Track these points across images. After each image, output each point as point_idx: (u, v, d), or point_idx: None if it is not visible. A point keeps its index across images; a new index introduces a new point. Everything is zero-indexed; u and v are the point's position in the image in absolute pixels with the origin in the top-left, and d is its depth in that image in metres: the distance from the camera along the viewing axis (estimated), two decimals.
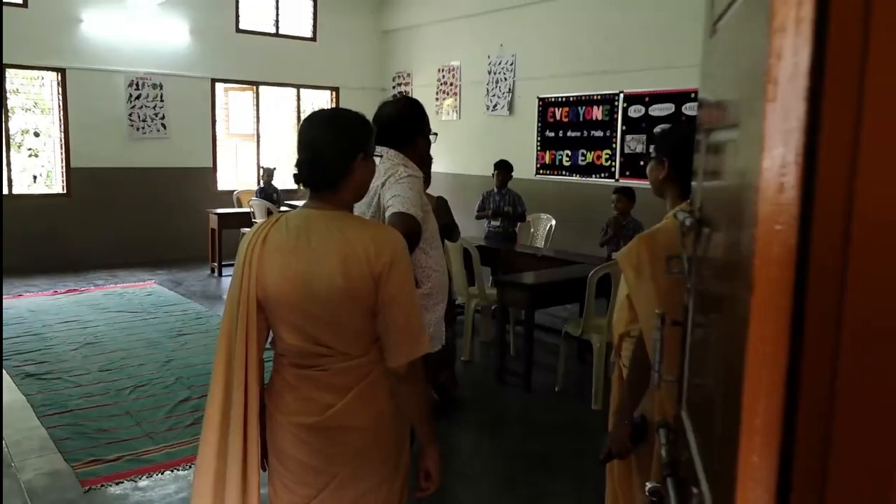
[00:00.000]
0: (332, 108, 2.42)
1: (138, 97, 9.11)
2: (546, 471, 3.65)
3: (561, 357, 4.82)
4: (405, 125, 2.65)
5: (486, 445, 4.01)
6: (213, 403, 1.77)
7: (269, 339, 1.85)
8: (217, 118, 9.97)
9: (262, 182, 9.09)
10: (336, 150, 1.72)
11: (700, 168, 1.19)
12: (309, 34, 10.53)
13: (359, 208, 2.60)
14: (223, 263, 8.57)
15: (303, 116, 10.66)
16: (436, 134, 2.76)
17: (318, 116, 1.77)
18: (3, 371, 4.72)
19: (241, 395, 1.74)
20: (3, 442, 3.72)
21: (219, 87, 9.94)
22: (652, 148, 2.16)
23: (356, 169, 1.75)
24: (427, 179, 2.78)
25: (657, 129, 2.52)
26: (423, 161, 2.73)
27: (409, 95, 2.88)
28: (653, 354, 1.43)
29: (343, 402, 1.72)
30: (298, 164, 1.73)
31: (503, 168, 6.70)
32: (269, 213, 7.95)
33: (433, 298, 2.61)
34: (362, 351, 1.73)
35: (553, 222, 7.09)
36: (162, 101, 9.29)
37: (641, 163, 7.53)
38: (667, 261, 1.23)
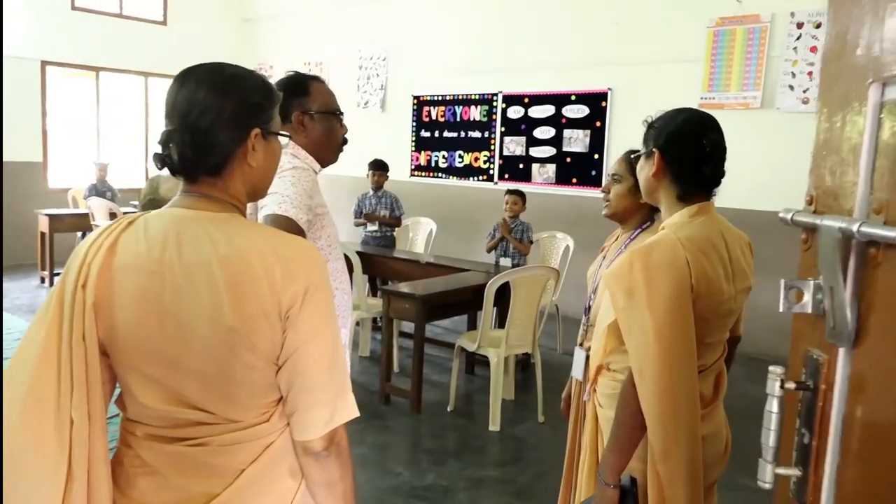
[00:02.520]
0: (217, 62, 1.32)
1: None
2: None
3: (454, 373, 4.41)
4: (284, 101, 2.11)
5: (374, 484, 3.51)
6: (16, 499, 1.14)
7: (115, 398, 1.28)
8: (51, 107, 8.75)
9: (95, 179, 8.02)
10: (222, 118, 1.19)
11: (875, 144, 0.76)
12: (158, 17, 9.52)
13: None
14: (55, 272, 7.46)
15: (151, 110, 9.64)
16: (341, 113, 2.24)
17: (198, 70, 1.22)
18: None
19: (61, 482, 1.14)
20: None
21: (52, 71, 8.73)
22: (642, 141, 1.78)
23: (252, 148, 1.23)
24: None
25: (646, 119, 2.08)
26: (322, 149, 2.20)
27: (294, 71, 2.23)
28: (768, 435, 0.91)
29: (229, 491, 1.18)
30: (163, 139, 1.20)
31: (379, 168, 6.22)
32: (114, 215, 6.99)
33: None
34: (258, 417, 1.20)
35: (434, 227, 6.70)
36: None
37: (521, 166, 7.32)
38: (785, 290, 0.82)
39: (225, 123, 1.19)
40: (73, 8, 8.72)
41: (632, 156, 1.76)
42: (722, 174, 1.68)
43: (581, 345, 2.23)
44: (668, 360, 1.49)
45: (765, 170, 5.46)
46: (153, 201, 5.19)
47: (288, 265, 1.15)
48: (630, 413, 1.53)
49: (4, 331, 5.79)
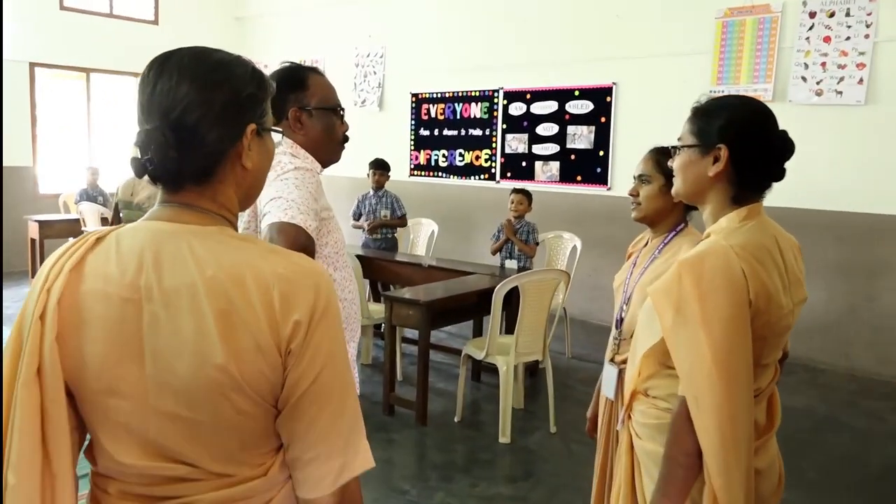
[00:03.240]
0: (199, 46, 1.09)
1: None
2: None
3: (460, 382, 4.22)
4: (279, 96, 1.91)
5: (381, 502, 3.33)
6: None
7: (84, 448, 1.09)
8: (41, 110, 8.54)
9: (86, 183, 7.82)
10: (212, 113, 0.99)
11: None
12: (150, 16, 9.32)
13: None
14: None
15: None
16: (342, 109, 2.05)
17: (178, 57, 1.02)
18: None
19: None
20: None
21: (41, 73, 8.52)
22: (685, 131, 1.55)
23: (248, 148, 1.04)
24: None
25: (695, 104, 1.84)
26: (321, 148, 2.00)
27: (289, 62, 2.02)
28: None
29: None
30: (142, 141, 0.99)
31: (380, 168, 6.03)
32: (107, 220, 6.79)
33: None
34: (253, 471, 1.01)
35: (435, 228, 6.51)
36: None
37: (524, 164, 7.13)
38: None
39: (216, 119, 1.00)
40: (62, 8, 8.50)
41: (672, 148, 1.56)
42: (784, 173, 1.49)
43: (613, 360, 2.05)
44: (729, 388, 1.30)
45: None
46: (127, 206, 4.96)
47: (288, 289, 0.96)
48: (685, 451, 1.34)
49: None
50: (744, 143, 1.44)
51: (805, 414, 4.39)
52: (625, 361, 2.01)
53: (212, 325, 0.93)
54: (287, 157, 1.82)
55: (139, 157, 0.99)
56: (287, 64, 2.00)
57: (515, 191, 5.22)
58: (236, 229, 1.07)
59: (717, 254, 1.36)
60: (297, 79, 1.97)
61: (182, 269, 0.95)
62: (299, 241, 1.61)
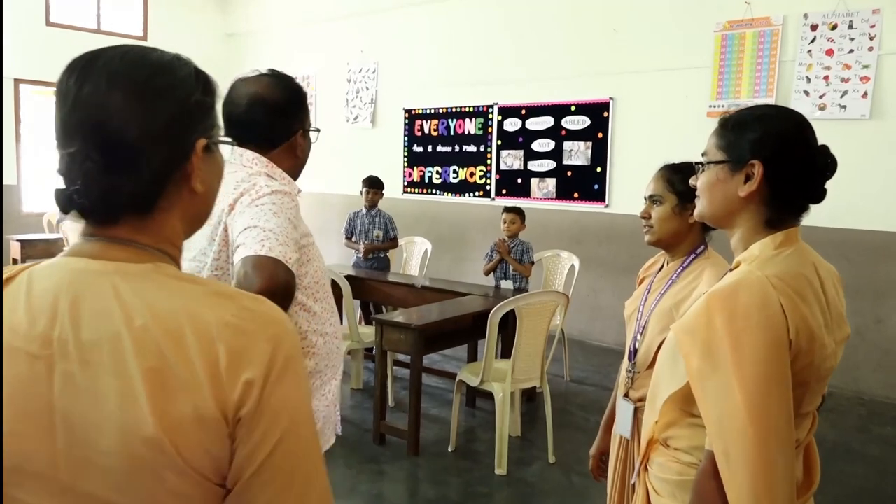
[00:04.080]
0: (132, 45, 0.86)
1: None
2: None
3: (454, 410, 4.02)
4: (284, 115, 1.74)
5: None
6: None
7: None
8: (26, 127, 8.37)
9: None
10: (154, 128, 0.81)
11: None
12: (139, 32, 9.18)
13: (194, 248, 1.65)
14: None
15: None
16: (318, 130, 1.88)
17: (105, 59, 0.82)
18: None
19: None
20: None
21: (26, 90, 8.35)
22: (711, 145, 1.36)
23: (196, 168, 0.86)
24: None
25: (723, 116, 1.64)
26: (299, 171, 1.84)
27: (277, 70, 1.84)
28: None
29: None
30: (65, 167, 0.81)
31: (373, 185, 5.82)
32: None
33: (320, 377, 1.72)
34: None
35: (429, 247, 6.33)
36: None
37: (519, 180, 6.97)
38: None
39: (159, 135, 0.81)
40: (48, 24, 8.36)
41: (696, 165, 1.37)
42: (825, 193, 1.31)
43: (627, 395, 1.86)
44: (767, 443, 1.12)
45: None
46: None
47: (238, 341, 0.77)
48: None
49: None
50: (781, 158, 1.26)
51: (815, 441, 4.18)
52: (641, 399, 1.83)
53: (140, 389, 0.74)
54: (263, 178, 1.63)
55: (64, 188, 0.80)
56: (276, 74, 1.80)
57: (507, 209, 5.04)
58: (178, 265, 0.88)
59: (753, 286, 1.18)
60: (302, 97, 1.81)
61: (105, 319, 0.77)
62: (278, 277, 1.42)
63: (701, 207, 1.36)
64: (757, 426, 1.12)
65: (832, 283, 1.30)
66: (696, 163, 1.38)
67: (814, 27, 5.22)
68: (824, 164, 1.27)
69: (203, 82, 0.88)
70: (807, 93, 5.25)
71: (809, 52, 5.24)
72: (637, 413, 1.80)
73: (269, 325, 0.80)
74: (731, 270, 1.28)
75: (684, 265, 1.91)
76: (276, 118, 1.70)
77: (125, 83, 0.80)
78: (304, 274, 1.64)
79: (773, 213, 1.27)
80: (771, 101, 5.38)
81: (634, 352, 1.86)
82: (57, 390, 0.76)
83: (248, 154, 1.67)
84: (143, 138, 0.80)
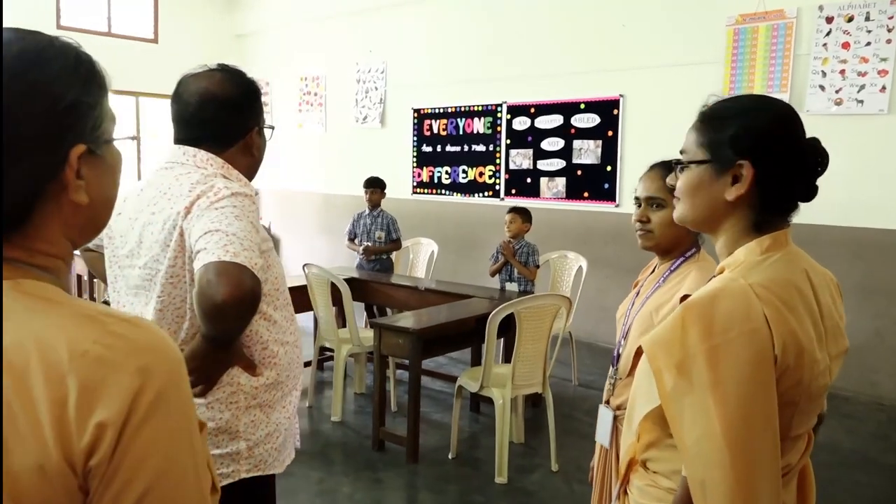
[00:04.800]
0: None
1: None
2: None
3: (454, 416, 3.92)
4: (238, 111, 1.65)
5: None
6: None
7: None
8: None
9: None
10: (15, 140, 0.68)
11: None
12: (149, 34, 9.18)
13: (145, 254, 1.56)
14: None
15: (142, 130, 9.27)
16: (272, 127, 1.79)
17: None
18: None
19: None
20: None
21: None
22: (690, 142, 1.23)
23: (77, 177, 0.74)
24: None
25: (702, 108, 1.24)
26: (255, 171, 1.75)
27: (228, 65, 1.73)
28: None
29: None
30: None
31: (373, 185, 5.74)
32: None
33: (282, 389, 1.63)
34: None
35: (435, 248, 6.23)
36: None
37: (528, 180, 6.85)
38: None
39: (21, 150, 0.69)
40: (59, 27, 8.37)
41: (674, 164, 1.25)
42: (816, 191, 1.19)
43: (608, 402, 1.77)
44: (748, 471, 1.01)
45: None
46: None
47: (92, 375, 0.65)
48: None
49: None
50: (770, 156, 1.13)
51: (829, 448, 4.03)
52: (620, 407, 1.73)
53: None
54: (220, 179, 1.54)
55: None
56: (227, 68, 1.71)
57: (510, 210, 4.93)
58: (62, 279, 0.76)
59: (733, 295, 1.06)
60: (257, 93, 1.72)
61: None
62: (244, 284, 1.33)
63: (682, 211, 1.24)
64: (737, 453, 1.01)
65: (828, 292, 1.18)
66: (675, 161, 1.26)
67: (829, 19, 5.05)
68: (815, 159, 1.15)
69: (84, 73, 0.76)
70: (822, 87, 5.08)
71: (825, 45, 5.07)
72: (616, 421, 1.70)
73: (138, 354, 0.68)
74: (713, 277, 1.17)
75: (672, 268, 1.81)
76: (229, 115, 1.61)
77: None
78: (264, 281, 1.55)
79: (761, 216, 1.16)
80: (786, 96, 5.22)
81: (617, 357, 1.77)
82: None
83: (202, 154, 1.59)
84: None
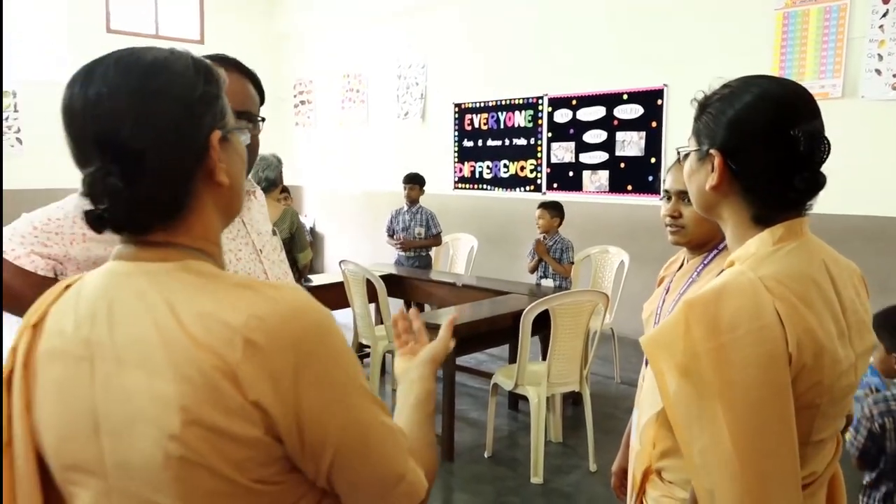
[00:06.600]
0: (126, 49, 0.84)
1: None
2: None
3: (490, 414, 3.86)
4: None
5: None
6: None
7: None
8: None
9: None
10: (163, 132, 0.79)
11: None
12: (195, 36, 9.34)
13: None
14: None
15: None
16: (262, 119, 1.69)
17: (102, 69, 0.80)
18: None
19: None
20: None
21: None
22: (691, 134, 1.18)
23: (216, 164, 0.84)
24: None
25: (695, 97, 1.17)
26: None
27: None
28: None
29: None
30: (89, 186, 0.79)
31: (412, 181, 5.71)
32: None
33: None
34: None
35: (475, 244, 6.17)
36: (16, 111, 7.91)
37: (570, 174, 6.73)
38: None
39: (170, 136, 0.79)
40: (109, 31, 8.59)
41: (677, 151, 1.19)
42: (821, 182, 1.08)
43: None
44: (760, 483, 0.93)
45: (849, 168, 4.72)
46: None
47: (261, 336, 0.74)
48: None
49: None
50: (741, 146, 1.06)
51: None
52: None
53: (168, 388, 0.74)
54: None
55: (93, 208, 0.80)
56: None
57: (539, 205, 4.83)
58: (217, 259, 0.87)
59: (740, 290, 0.98)
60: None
61: (134, 319, 0.78)
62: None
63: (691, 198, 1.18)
64: (748, 463, 0.92)
65: (851, 284, 1.08)
66: (678, 149, 1.20)
67: (886, 0, 4.80)
68: (810, 148, 1.04)
69: (204, 72, 0.85)
70: (879, 72, 4.84)
71: (881, 27, 4.82)
72: None
73: (292, 314, 0.77)
74: (723, 271, 1.08)
75: (705, 262, 1.71)
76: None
77: (125, 90, 0.79)
78: None
79: (761, 210, 1.07)
80: (839, 81, 4.99)
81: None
82: (98, 391, 0.78)
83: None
84: (156, 142, 0.79)
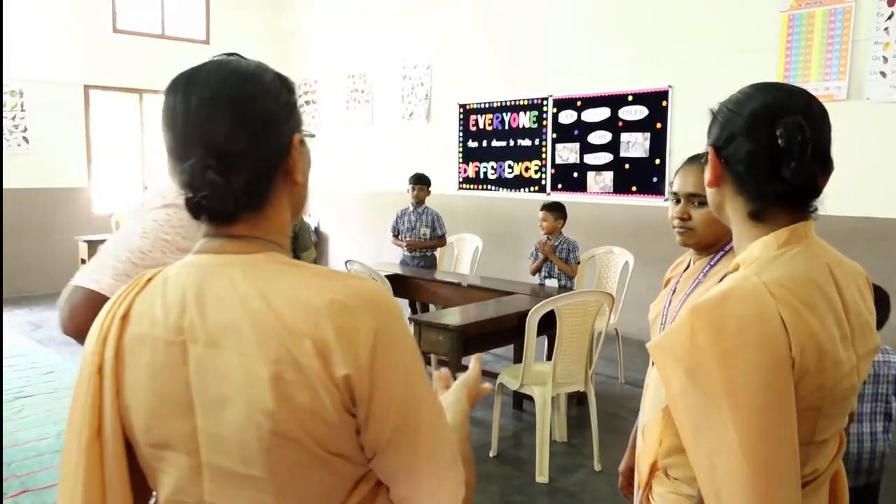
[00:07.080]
0: (220, 60, 0.95)
1: None
2: None
3: (495, 414, 3.88)
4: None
5: None
6: None
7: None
8: (95, 131, 8.66)
9: None
10: (258, 130, 0.90)
11: None
12: (201, 36, 9.37)
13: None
14: None
15: None
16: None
17: (203, 75, 0.91)
18: None
19: None
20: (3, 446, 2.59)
21: (95, 94, 8.65)
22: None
23: (295, 163, 0.95)
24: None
25: (716, 105, 1.21)
26: None
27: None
28: None
29: None
30: (190, 176, 0.89)
31: (419, 182, 5.74)
32: None
33: None
34: None
35: (480, 244, 6.19)
36: (23, 110, 7.95)
37: (575, 174, 6.75)
38: None
39: (262, 137, 0.90)
40: (115, 31, 8.63)
41: (701, 158, 1.24)
42: (816, 178, 1.09)
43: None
44: (766, 485, 0.95)
45: (854, 170, 4.73)
46: None
47: (344, 319, 0.83)
48: None
49: (30, 366, 5.58)
50: (730, 138, 1.10)
51: None
52: None
53: (260, 366, 0.82)
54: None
55: (191, 195, 0.89)
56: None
57: (542, 207, 4.85)
58: (288, 252, 0.96)
59: (745, 295, 1.00)
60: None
61: (226, 305, 0.86)
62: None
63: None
64: (755, 465, 0.95)
65: (855, 286, 1.10)
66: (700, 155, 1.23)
67: (891, 2, 4.81)
68: (789, 144, 1.05)
69: (284, 82, 0.96)
70: (884, 74, 4.85)
71: (886, 29, 4.84)
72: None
73: (371, 302, 0.85)
74: (727, 275, 1.11)
75: (712, 263, 1.73)
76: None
77: (226, 96, 0.89)
78: None
79: (754, 204, 1.10)
80: (844, 83, 5.00)
81: None
82: (191, 372, 0.86)
83: None
84: (251, 142, 0.89)
